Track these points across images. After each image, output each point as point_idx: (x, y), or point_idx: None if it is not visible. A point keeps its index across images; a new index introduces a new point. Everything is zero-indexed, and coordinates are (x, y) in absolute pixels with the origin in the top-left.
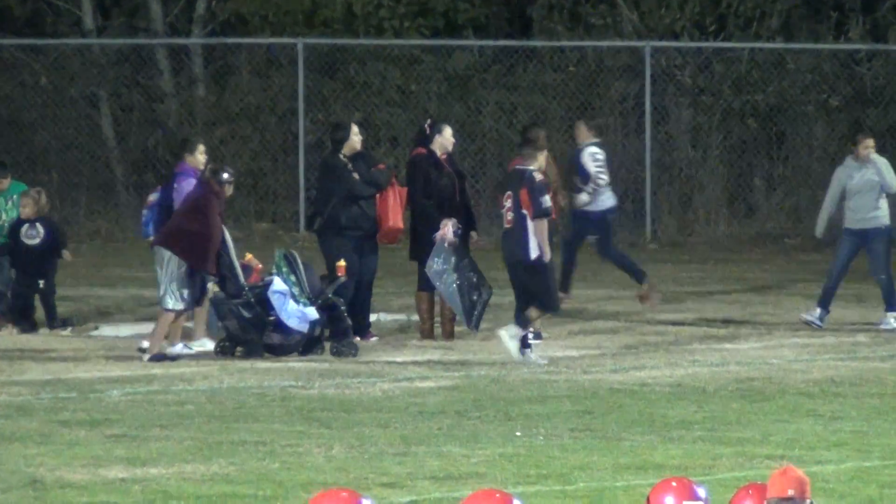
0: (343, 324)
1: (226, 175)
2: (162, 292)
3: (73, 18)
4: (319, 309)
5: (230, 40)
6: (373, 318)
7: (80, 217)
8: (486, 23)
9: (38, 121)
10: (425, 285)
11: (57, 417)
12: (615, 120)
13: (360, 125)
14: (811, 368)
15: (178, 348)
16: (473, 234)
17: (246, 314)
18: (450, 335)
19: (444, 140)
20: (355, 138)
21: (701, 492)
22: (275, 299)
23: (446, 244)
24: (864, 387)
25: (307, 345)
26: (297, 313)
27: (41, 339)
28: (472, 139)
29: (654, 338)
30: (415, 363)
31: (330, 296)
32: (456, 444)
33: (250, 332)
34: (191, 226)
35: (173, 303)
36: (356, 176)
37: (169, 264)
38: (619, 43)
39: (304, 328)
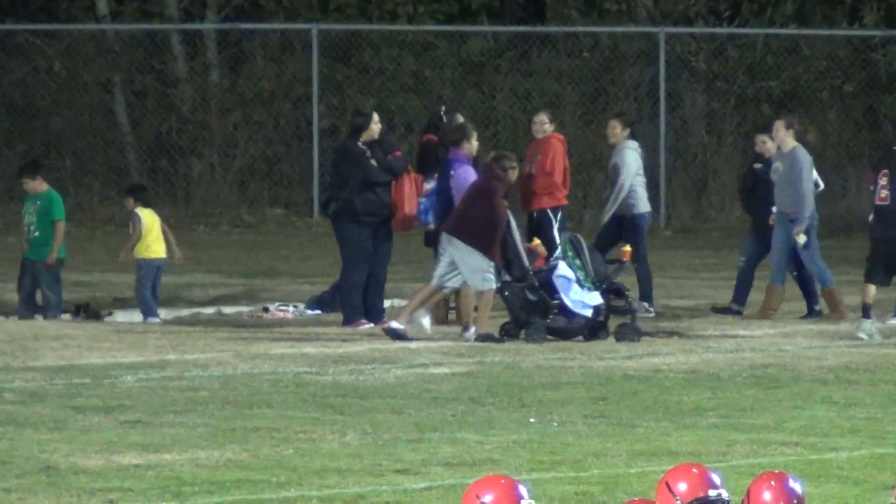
0: (629, 308)
1: (506, 162)
2: (462, 276)
3: (86, 3)
4: (604, 293)
5: (244, 26)
6: (387, 304)
7: (93, 203)
8: (501, 8)
9: (51, 106)
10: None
11: (71, 403)
12: (630, 105)
13: (375, 111)
14: (825, 355)
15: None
16: None
17: (531, 297)
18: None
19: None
20: (374, 127)
21: (715, 478)
22: (559, 283)
23: None
24: (879, 373)
25: (592, 329)
26: (581, 297)
27: (55, 325)
28: (487, 125)
29: (669, 324)
30: (429, 349)
31: (614, 280)
32: (470, 430)
33: (534, 315)
34: (476, 212)
35: (488, 284)
36: (373, 162)
37: (462, 253)
38: (633, 29)
39: (588, 312)
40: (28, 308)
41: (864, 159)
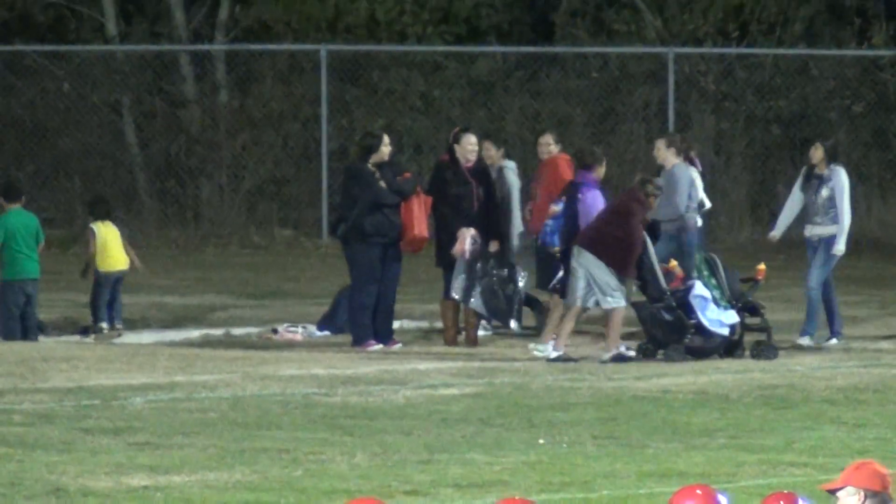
0: (764, 327)
1: (650, 188)
2: (597, 295)
3: (95, 25)
4: (739, 311)
5: (253, 46)
6: (396, 325)
7: None
8: (509, 29)
9: (60, 127)
10: (450, 293)
11: (80, 425)
12: (638, 126)
13: (384, 132)
14: (834, 376)
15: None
16: (494, 243)
17: (667, 317)
18: (473, 342)
19: (463, 149)
20: (385, 149)
21: (723, 499)
22: (696, 303)
23: (466, 257)
24: (888, 394)
25: (728, 347)
26: (718, 316)
27: (64, 346)
28: (496, 146)
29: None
30: (438, 370)
31: (749, 298)
32: (479, 451)
33: (671, 335)
34: (613, 231)
35: (615, 301)
36: (383, 184)
37: (598, 268)
38: (642, 49)
39: (725, 331)
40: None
41: (873, 179)
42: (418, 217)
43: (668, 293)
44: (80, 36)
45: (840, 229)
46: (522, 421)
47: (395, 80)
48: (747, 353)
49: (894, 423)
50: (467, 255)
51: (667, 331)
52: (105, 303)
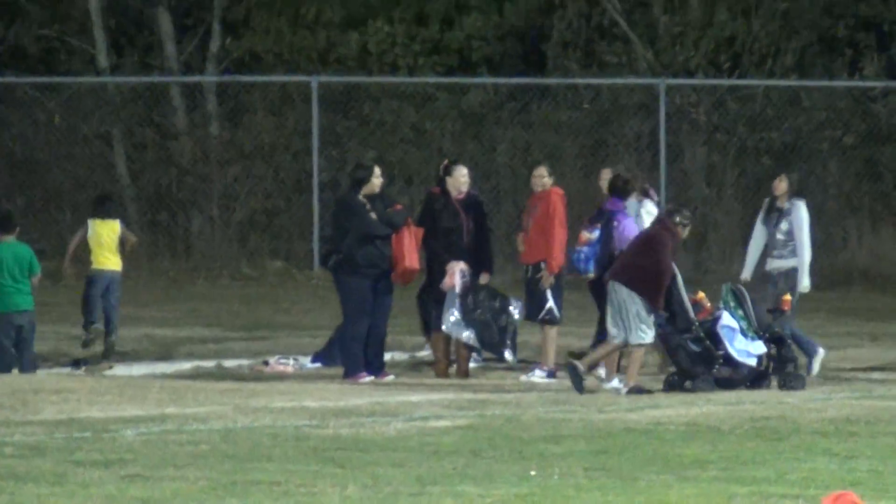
0: (790, 356)
1: (680, 218)
2: (626, 329)
3: (86, 56)
4: (766, 342)
5: (244, 78)
6: (387, 357)
7: None
8: (501, 60)
9: (51, 159)
10: (441, 325)
11: (71, 457)
12: (630, 157)
13: (375, 164)
14: (826, 407)
15: (615, 382)
16: (485, 275)
17: (695, 348)
18: (465, 374)
19: (454, 181)
20: (376, 181)
21: None
22: (724, 333)
23: (457, 291)
24: (879, 425)
25: (755, 378)
26: (745, 347)
27: (55, 378)
28: (487, 177)
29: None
30: (429, 402)
31: (776, 329)
32: (471, 483)
33: (699, 365)
34: (643, 261)
35: (643, 336)
36: (373, 216)
37: (630, 300)
38: (633, 80)
39: (753, 362)
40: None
41: (864, 210)
42: (409, 249)
43: (697, 324)
44: (72, 68)
45: (800, 264)
46: (514, 453)
47: (387, 111)
48: (774, 383)
49: (886, 455)
50: (458, 288)
51: (694, 361)
52: (97, 301)
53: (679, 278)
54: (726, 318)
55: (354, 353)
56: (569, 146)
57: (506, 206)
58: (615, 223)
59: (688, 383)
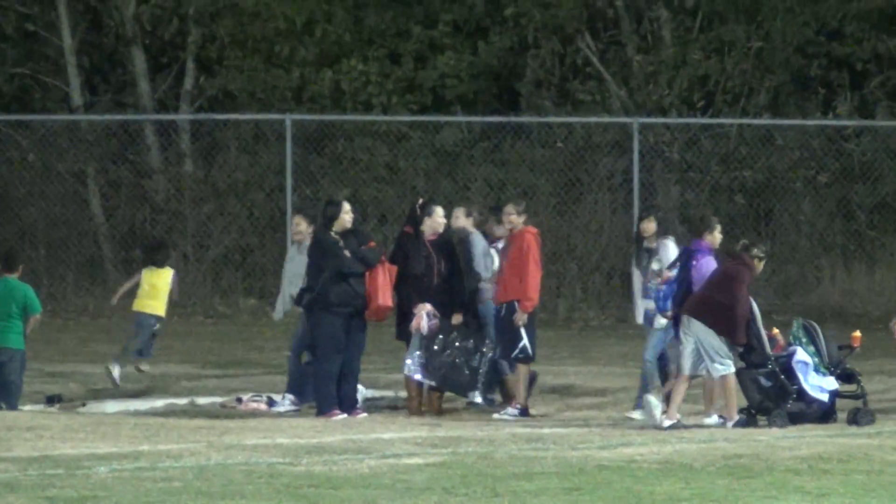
0: (861, 393)
1: (756, 251)
2: (705, 363)
3: (60, 94)
4: (837, 378)
5: (218, 116)
6: (360, 394)
7: (67, 293)
8: (474, 98)
9: (25, 197)
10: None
11: (44, 494)
12: (603, 196)
13: (348, 201)
14: (799, 445)
15: (713, 419)
16: (457, 316)
17: (766, 383)
18: (437, 412)
19: (433, 222)
20: (346, 217)
21: None
22: (798, 369)
23: (424, 333)
24: (852, 463)
25: (824, 414)
26: (818, 382)
27: (29, 415)
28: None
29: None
30: (402, 440)
31: (848, 366)
32: None
33: (768, 401)
34: (720, 296)
35: (725, 368)
36: (347, 253)
37: (706, 334)
38: (607, 119)
39: (825, 397)
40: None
41: (837, 249)
42: (383, 286)
43: (773, 359)
44: (46, 106)
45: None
46: (487, 490)
47: (360, 149)
48: (842, 418)
49: (858, 493)
50: (424, 330)
51: (766, 397)
52: (145, 343)
53: (757, 313)
54: (800, 354)
55: (327, 390)
56: (543, 184)
57: None
58: (694, 262)
59: (762, 419)
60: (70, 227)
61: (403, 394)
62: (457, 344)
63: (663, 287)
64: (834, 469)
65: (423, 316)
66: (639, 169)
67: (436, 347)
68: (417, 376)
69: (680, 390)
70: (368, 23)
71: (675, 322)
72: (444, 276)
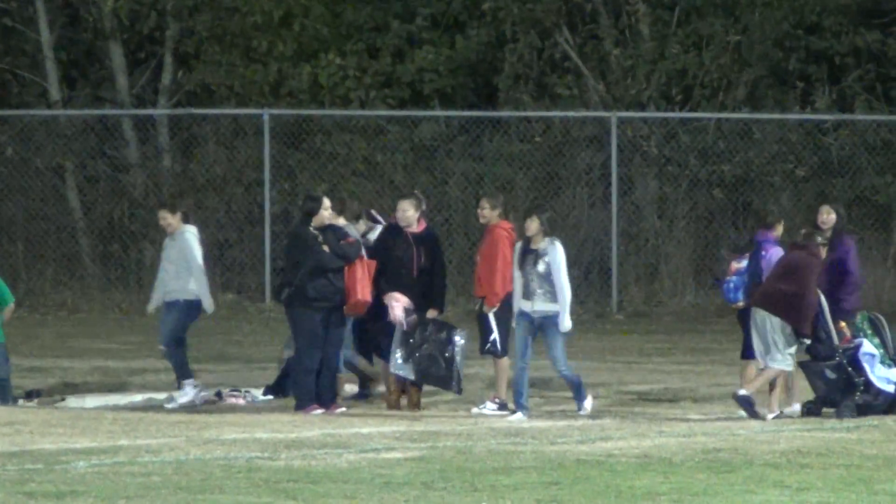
0: None
1: (820, 239)
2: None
3: (38, 89)
4: None
5: (196, 111)
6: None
7: (45, 288)
8: (453, 93)
9: (3, 192)
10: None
11: (23, 489)
12: (581, 190)
13: (327, 196)
14: (778, 439)
15: (796, 407)
16: (432, 311)
17: (832, 376)
18: (416, 406)
19: (399, 215)
20: (325, 213)
21: None
22: (865, 361)
23: (403, 328)
24: (831, 457)
25: (890, 405)
26: (885, 374)
27: (7, 411)
28: (439, 210)
29: (621, 408)
30: (381, 434)
31: None
32: None
33: (833, 393)
34: (788, 287)
35: (781, 363)
36: (326, 248)
37: (771, 326)
38: (585, 113)
39: (892, 388)
40: None
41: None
42: (361, 281)
43: (840, 351)
44: (24, 101)
45: (562, 305)
46: (465, 485)
47: (338, 144)
48: None
49: (837, 487)
50: (404, 325)
51: (832, 389)
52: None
53: (825, 305)
54: (867, 346)
55: (306, 385)
56: (521, 178)
57: (458, 238)
58: (763, 253)
59: (832, 411)
60: (48, 222)
61: (382, 389)
62: (432, 337)
63: (733, 278)
64: (813, 463)
65: (399, 309)
66: (617, 163)
67: (411, 341)
68: (401, 372)
69: (773, 381)
70: (346, 17)
71: (745, 313)
72: (424, 269)
